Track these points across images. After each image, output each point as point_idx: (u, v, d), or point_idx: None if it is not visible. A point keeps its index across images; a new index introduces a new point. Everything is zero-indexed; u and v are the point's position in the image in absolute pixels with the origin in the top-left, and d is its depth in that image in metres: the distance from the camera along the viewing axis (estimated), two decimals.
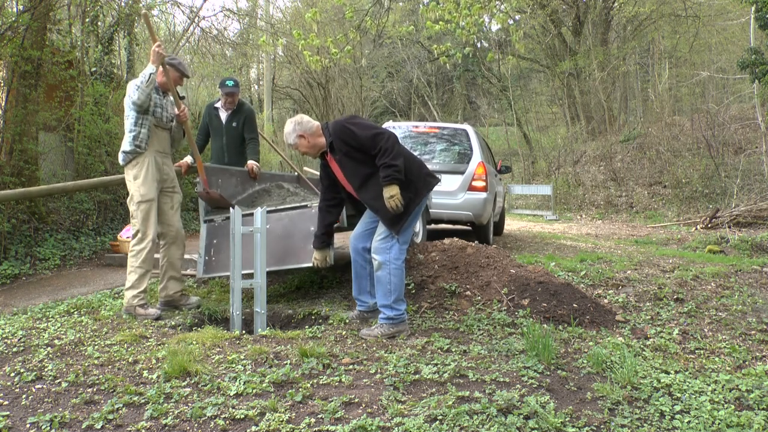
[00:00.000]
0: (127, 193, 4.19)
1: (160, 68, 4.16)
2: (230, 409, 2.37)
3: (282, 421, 2.25)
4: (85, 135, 8.30)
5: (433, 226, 8.65)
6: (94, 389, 2.61)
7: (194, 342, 3.24)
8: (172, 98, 4.35)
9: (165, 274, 4.29)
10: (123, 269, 6.37)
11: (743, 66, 10.52)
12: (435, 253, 4.69)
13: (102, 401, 2.48)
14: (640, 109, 22.81)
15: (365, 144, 3.44)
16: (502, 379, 2.71)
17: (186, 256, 5.60)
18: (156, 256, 4.27)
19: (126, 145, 4.11)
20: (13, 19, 7.14)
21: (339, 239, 5.29)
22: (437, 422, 2.24)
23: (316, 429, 2.21)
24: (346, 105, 23.70)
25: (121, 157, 4.17)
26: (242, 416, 2.30)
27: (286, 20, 22.31)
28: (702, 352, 3.50)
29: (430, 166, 7.37)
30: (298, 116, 3.69)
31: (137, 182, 4.08)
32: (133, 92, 3.98)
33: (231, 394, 2.52)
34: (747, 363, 3.34)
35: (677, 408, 2.48)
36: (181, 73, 4.27)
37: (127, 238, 6.65)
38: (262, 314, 3.80)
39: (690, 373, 2.99)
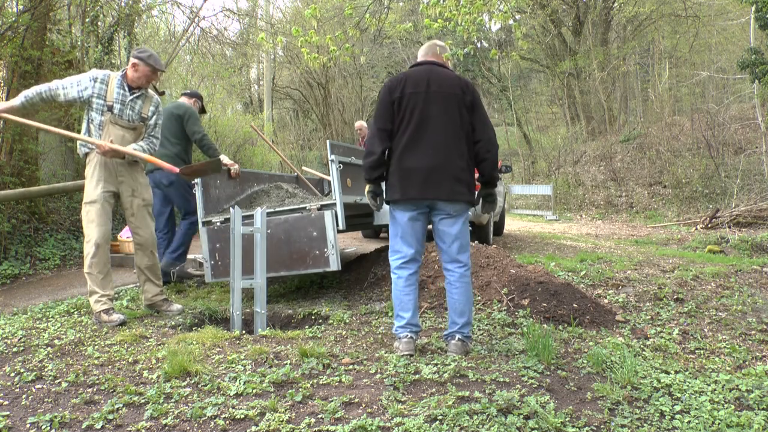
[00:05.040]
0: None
1: (132, 62, 3.94)
2: (230, 409, 2.37)
3: (282, 421, 2.25)
4: None
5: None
6: (94, 389, 2.61)
7: (194, 342, 3.24)
8: (149, 95, 4.12)
9: (140, 278, 4.21)
10: (122, 269, 6.39)
11: (743, 66, 10.53)
12: (435, 253, 4.70)
13: (102, 401, 2.48)
14: (640, 109, 22.80)
15: None
16: (502, 379, 2.71)
17: (189, 256, 5.60)
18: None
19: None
20: (13, 19, 7.14)
21: (340, 240, 5.30)
22: (437, 422, 2.23)
23: (316, 429, 2.21)
24: (346, 105, 23.70)
25: (79, 150, 4.02)
26: (242, 416, 2.30)
27: (286, 20, 22.31)
28: (702, 352, 3.50)
29: None
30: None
31: (86, 182, 3.92)
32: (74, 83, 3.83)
33: (231, 394, 2.51)
34: (747, 363, 3.34)
35: (677, 408, 2.48)
36: (152, 68, 3.95)
37: (128, 238, 6.66)
38: (262, 314, 3.80)
39: (690, 373, 2.99)
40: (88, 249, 3.83)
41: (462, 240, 3.16)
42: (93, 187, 3.88)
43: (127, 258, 6.47)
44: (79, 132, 4.00)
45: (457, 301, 3.15)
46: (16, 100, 3.81)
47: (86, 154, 3.96)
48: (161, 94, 4.32)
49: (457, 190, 3.09)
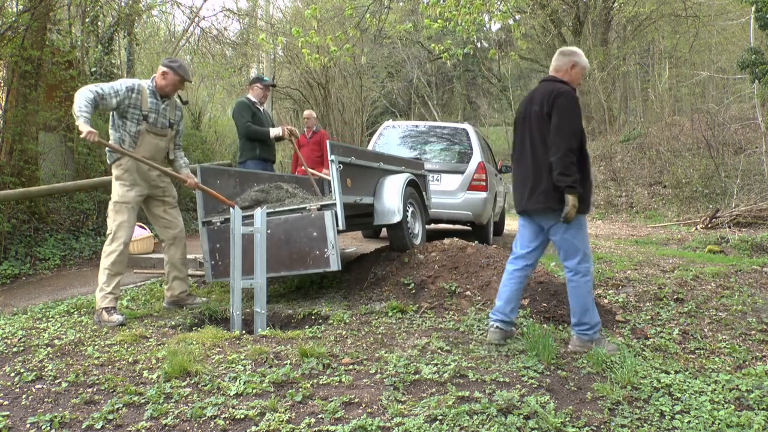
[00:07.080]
0: None
1: (162, 70, 4.09)
2: (230, 409, 2.37)
3: (282, 421, 2.25)
4: None
5: (433, 226, 8.65)
6: (94, 389, 2.61)
7: (194, 342, 3.24)
8: (178, 102, 4.32)
9: (169, 275, 4.34)
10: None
11: (743, 66, 10.53)
12: (435, 253, 4.70)
13: (102, 401, 2.48)
14: (640, 109, 22.81)
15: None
16: (502, 379, 2.71)
17: (190, 256, 5.59)
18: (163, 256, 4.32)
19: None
20: (13, 19, 7.14)
21: (340, 240, 5.29)
22: (437, 422, 2.23)
23: (316, 429, 2.21)
24: (346, 105, 23.69)
25: (107, 154, 4.11)
26: (242, 416, 2.30)
27: (286, 20, 22.30)
28: (702, 352, 3.51)
29: (429, 166, 7.32)
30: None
31: (118, 183, 4.05)
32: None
33: (231, 394, 2.52)
34: (747, 363, 3.35)
35: (677, 408, 2.48)
36: (182, 77, 4.12)
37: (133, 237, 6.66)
38: (262, 314, 3.80)
39: (690, 373, 2.99)
40: (115, 247, 3.95)
41: (565, 248, 3.33)
42: (127, 189, 4.02)
43: (131, 258, 6.46)
44: (108, 139, 4.10)
45: (569, 301, 3.36)
46: (84, 121, 3.68)
47: (116, 160, 4.05)
48: (185, 103, 4.48)
49: (534, 200, 3.28)
